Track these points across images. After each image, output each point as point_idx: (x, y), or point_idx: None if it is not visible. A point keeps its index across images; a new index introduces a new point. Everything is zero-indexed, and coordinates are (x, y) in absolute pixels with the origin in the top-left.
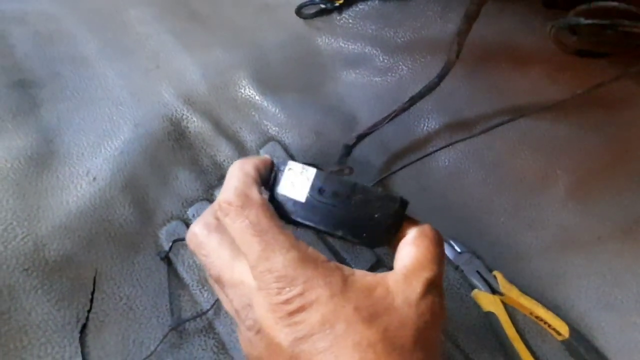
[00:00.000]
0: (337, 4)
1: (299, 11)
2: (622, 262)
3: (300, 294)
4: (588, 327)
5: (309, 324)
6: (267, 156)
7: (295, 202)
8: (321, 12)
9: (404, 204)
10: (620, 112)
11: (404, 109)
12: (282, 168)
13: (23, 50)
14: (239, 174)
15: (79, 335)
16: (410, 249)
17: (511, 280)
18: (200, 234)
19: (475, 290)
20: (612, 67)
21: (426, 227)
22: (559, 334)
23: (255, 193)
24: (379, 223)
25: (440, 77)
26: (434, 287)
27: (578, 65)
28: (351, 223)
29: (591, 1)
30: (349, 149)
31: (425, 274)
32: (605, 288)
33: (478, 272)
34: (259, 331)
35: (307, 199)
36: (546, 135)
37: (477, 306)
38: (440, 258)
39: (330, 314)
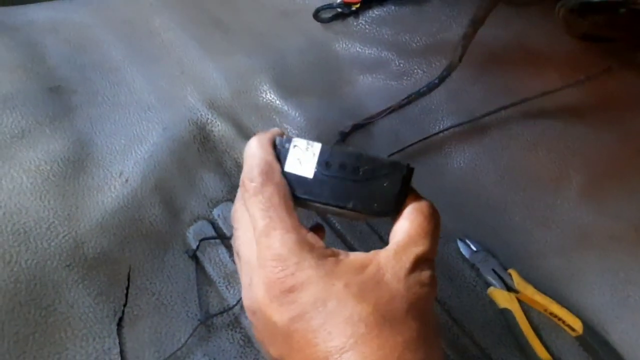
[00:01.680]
0: (353, 8)
1: (316, 15)
2: (635, 259)
3: (292, 274)
4: (601, 323)
5: (301, 304)
6: (278, 129)
7: (303, 179)
8: (338, 16)
9: (410, 170)
10: (633, 112)
11: (401, 105)
12: (286, 145)
13: (55, 58)
14: (259, 153)
15: (116, 327)
16: (404, 223)
17: (526, 278)
18: (235, 209)
19: (491, 288)
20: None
21: (422, 204)
22: (573, 329)
23: (276, 173)
24: (389, 191)
25: (441, 79)
26: (423, 261)
27: (591, 66)
28: (361, 193)
29: None
30: (343, 136)
31: (415, 250)
32: (619, 285)
33: (494, 270)
34: (255, 312)
35: (315, 175)
36: (560, 135)
37: (493, 303)
38: (432, 234)
39: (322, 292)
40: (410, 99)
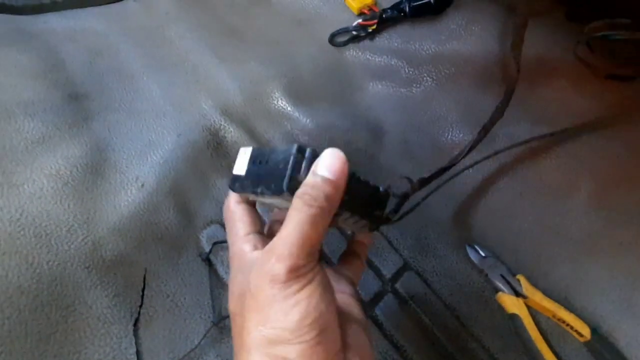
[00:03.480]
0: (370, 30)
1: (332, 40)
2: None
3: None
4: (609, 329)
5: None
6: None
7: (241, 177)
8: (354, 39)
9: (301, 151)
10: None
11: (479, 140)
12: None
13: (74, 65)
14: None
15: (132, 328)
16: (289, 211)
17: (534, 284)
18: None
19: (500, 293)
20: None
21: (312, 179)
22: (580, 335)
23: (231, 203)
24: (282, 172)
25: (509, 96)
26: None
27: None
28: (266, 178)
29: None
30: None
31: (276, 261)
32: (627, 292)
33: (502, 276)
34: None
35: (246, 172)
36: (569, 143)
37: (501, 309)
38: (310, 222)
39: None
40: (486, 128)
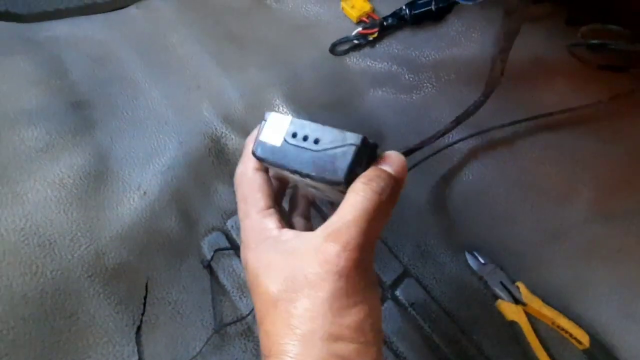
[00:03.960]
0: (370, 39)
1: (333, 49)
2: None
3: (246, 248)
4: (609, 337)
5: (251, 268)
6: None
7: (273, 147)
8: (354, 48)
9: (366, 143)
10: None
11: (450, 129)
12: (265, 118)
13: (77, 73)
14: (241, 164)
15: (135, 336)
16: (347, 198)
17: (533, 291)
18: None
19: (499, 301)
20: (635, 79)
21: (375, 176)
22: (580, 343)
23: (249, 172)
24: (341, 161)
25: (487, 95)
26: (351, 247)
27: (601, 78)
28: (317, 162)
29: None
30: (409, 151)
31: (343, 238)
32: (627, 299)
33: (501, 283)
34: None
35: (283, 143)
36: (569, 149)
37: (500, 315)
38: (373, 212)
39: (261, 260)
40: (459, 120)
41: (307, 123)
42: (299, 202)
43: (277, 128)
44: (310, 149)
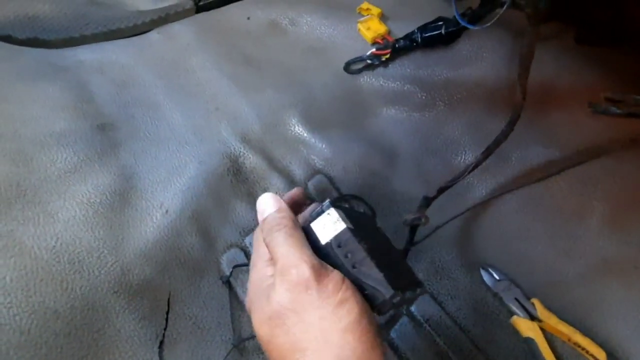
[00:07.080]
0: (383, 59)
1: (347, 68)
2: None
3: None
4: (626, 354)
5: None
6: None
7: (317, 239)
8: (368, 67)
9: (396, 297)
10: None
11: (481, 160)
12: (325, 209)
13: (102, 97)
14: (272, 201)
15: (158, 350)
16: None
17: (549, 307)
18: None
19: (515, 317)
20: None
21: None
22: (596, 359)
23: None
24: (369, 301)
25: (514, 122)
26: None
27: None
28: (346, 277)
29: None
30: (428, 201)
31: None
32: None
33: (516, 299)
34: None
35: (326, 244)
36: (583, 166)
37: (516, 332)
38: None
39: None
40: (489, 151)
41: (357, 245)
42: None
43: (330, 227)
44: (346, 267)
